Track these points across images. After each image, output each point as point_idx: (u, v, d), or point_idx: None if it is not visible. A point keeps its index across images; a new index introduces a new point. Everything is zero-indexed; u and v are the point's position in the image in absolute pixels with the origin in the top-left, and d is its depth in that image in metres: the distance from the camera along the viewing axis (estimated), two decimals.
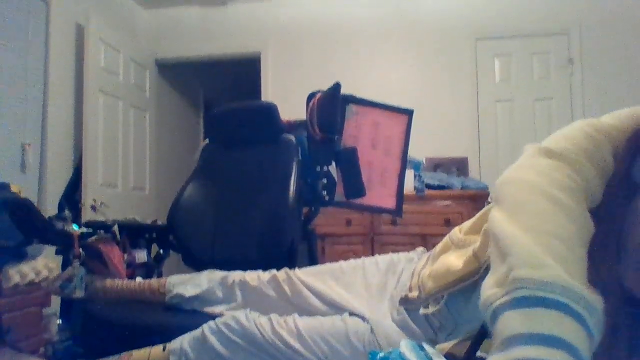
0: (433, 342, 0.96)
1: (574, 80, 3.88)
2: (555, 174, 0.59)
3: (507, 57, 3.99)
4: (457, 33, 4.01)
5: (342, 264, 1.33)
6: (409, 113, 1.94)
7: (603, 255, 0.58)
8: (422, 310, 1.00)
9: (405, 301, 1.06)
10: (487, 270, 0.80)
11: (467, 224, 0.99)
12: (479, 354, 0.82)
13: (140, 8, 4.27)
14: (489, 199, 0.70)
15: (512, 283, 0.48)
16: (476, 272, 0.83)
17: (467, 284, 0.86)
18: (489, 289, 0.51)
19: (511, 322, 0.46)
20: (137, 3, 4.21)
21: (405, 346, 0.78)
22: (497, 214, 0.59)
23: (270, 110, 1.87)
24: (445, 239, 1.05)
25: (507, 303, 0.48)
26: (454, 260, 0.91)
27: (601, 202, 0.61)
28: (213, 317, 1.24)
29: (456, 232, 1.01)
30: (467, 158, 3.84)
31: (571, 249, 0.52)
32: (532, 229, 0.53)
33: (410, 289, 1.07)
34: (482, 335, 0.82)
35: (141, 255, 1.71)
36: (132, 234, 1.80)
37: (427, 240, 3.07)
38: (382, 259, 1.30)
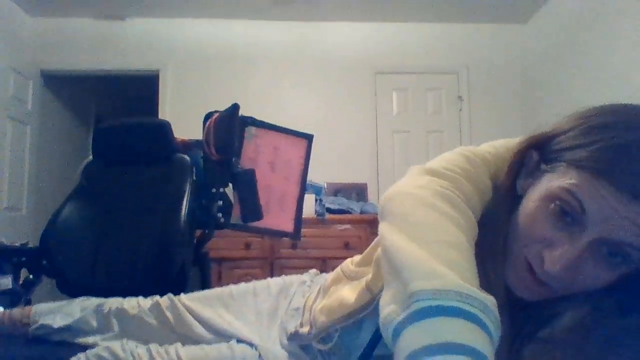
0: None
1: (462, 115, 4.22)
2: (435, 186, 0.62)
3: (404, 91, 4.24)
4: (358, 65, 4.19)
5: (232, 288, 1.27)
6: (308, 138, 1.95)
7: (491, 260, 0.62)
8: (315, 345, 0.97)
9: (296, 337, 1.02)
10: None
11: (358, 257, 0.99)
12: None
13: (26, 15, 3.92)
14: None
15: (408, 298, 0.47)
16: (370, 304, 0.82)
17: (360, 317, 0.85)
18: (386, 307, 0.50)
19: (412, 337, 0.45)
20: (22, 10, 3.86)
21: None
22: (385, 228, 0.59)
23: (162, 128, 1.78)
24: (337, 271, 1.03)
25: (407, 318, 0.47)
26: (347, 294, 0.90)
27: (489, 212, 0.66)
28: (84, 348, 1.11)
29: (348, 264, 1.00)
30: (366, 184, 3.98)
31: (462, 255, 0.53)
32: (421, 239, 0.54)
33: (301, 325, 1.03)
34: (365, 357, 0.81)
35: (4, 282, 1.50)
36: None
37: (327, 264, 3.09)
38: (274, 282, 1.26)
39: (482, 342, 0.44)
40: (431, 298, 0.46)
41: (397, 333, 0.47)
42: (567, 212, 0.56)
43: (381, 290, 0.79)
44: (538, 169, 0.63)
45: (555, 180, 0.58)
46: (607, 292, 0.59)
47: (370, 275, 0.84)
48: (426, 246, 0.52)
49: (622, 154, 0.54)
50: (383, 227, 0.60)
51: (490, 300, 0.48)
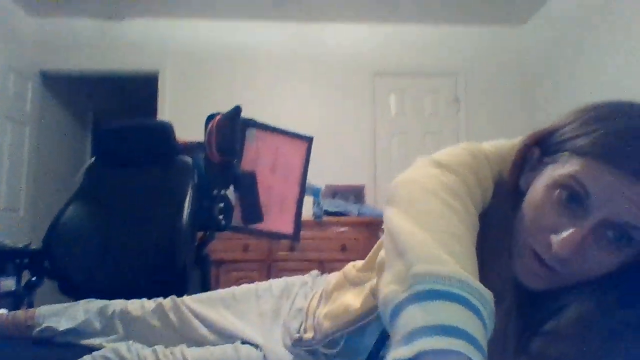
0: None
1: (460, 116, 4.23)
2: (443, 179, 0.64)
3: (402, 93, 4.25)
4: (357, 67, 4.20)
5: (234, 290, 1.27)
6: (308, 140, 1.95)
7: (498, 256, 0.64)
8: (321, 350, 0.98)
9: (300, 342, 1.03)
10: None
11: (361, 262, 0.99)
12: None
13: (26, 15, 3.91)
14: (383, 227, 0.71)
15: (411, 279, 0.49)
16: (375, 309, 0.83)
17: (365, 322, 0.86)
18: (387, 286, 0.52)
19: (412, 316, 0.47)
20: (22, 9, 3.86)
21: None
22: (392, 211, 0.61)
23: (165, 129, 1.79)
24: (339, 275, 1.03)
25: (408, 298, 0.48)
26: (351, 299, 0.90)
27: (494, 210, 0.67)
28: (90, 350, 1.12)
29: (351, 270, 1.00)
30: (364, 186, 3.99)
31: (463, 246, 0.55)
32: (427, 226, 0.56)
33: (305, 330, 1.04)
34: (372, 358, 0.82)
35: (7, 284, 1.50)
36: None
37: (325, 266, 3.10)
38: (275, 284, 1.26)
39: (477, 329, 0.46)
40: (434, 282, 0.48)
41: (396, 312, 0.49)
42: (571, 198, 0.58)
43: None
44: (540, 162, 0.65)
45: (558, 169, 0.60)
46: (610, 286, 0.61)
47: (374, 280, 0.85)
48: (431, 234, 0.54)
49: (623, 138, 0.56)
50: (390, 212, 0.62)
51: (488, 292, 0.50)
